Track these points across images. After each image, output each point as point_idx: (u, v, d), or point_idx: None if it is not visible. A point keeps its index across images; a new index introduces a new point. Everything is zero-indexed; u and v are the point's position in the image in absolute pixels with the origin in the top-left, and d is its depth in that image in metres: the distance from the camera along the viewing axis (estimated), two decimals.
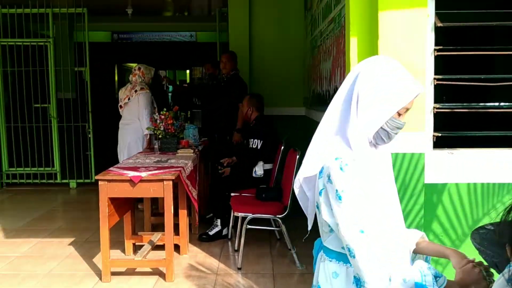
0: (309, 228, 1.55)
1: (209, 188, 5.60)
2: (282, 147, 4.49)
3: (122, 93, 5.39)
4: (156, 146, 4.60)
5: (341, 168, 1.32)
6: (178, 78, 17.25)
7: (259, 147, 4.39)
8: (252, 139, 4.45)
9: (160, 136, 4.70)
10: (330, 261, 1.43)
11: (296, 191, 1.52)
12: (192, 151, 4.53)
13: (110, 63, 14.67)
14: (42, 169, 6.99)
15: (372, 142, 1.40)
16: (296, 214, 4.01)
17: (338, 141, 1.40)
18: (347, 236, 1.30)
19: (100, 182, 3.43)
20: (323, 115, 4.42)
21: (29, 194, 6.60)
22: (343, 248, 1.34)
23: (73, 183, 7.01)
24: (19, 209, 5.81)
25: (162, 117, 4.70)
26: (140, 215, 4.80)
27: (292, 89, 6.51)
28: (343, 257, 1.38)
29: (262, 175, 4.43)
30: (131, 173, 3.50)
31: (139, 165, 3.90)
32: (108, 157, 8.42)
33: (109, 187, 3.44)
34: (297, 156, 3.81)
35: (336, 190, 1.32)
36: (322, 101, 4.61)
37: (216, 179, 4.76)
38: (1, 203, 6.21)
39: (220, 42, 7.41)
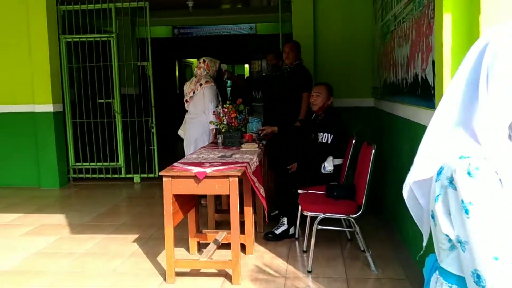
0: (424, 243, 1.25)
1: (274, 184, 5.39)
2: (354, 141, 4.18)
3: (187, 87, 5.27)
4: (219, 141, 4.42)
5: (469, 173, 1.01)
6: (236, 73, 17.23)
7: (329, 141, 4.10)
8: (321, 133, 4.15)
9: (223, 130, 4.52)
10: (450, 287, 1.14)
11: (405, 196, 1.24)
12: (256, 145, 4.31)
13: (172, 58, 14.83)
14: (107, 164, 7.05)
15: (508, 134, 1.09)
16: (365, 212, 3.72)
17: (461, 134, 1.09)
18: (476, 261, 1.01)
19: (164, 179, 3.28)
20: (397, 106, 4.02)
21: (94, 189, 6.66)
22: (472, 272, 1.04)
23: (137, 178, 7.01)
24: (85, 204, 5.85)
25: (225, 110, 4.51)
26: (203, 210, 4.66)
27: (359, 79, 6.16)
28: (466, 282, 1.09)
29: (332, 171, 4.15)
30: (196, 169, 3.32)
31: (203, 160, 3.73)
32: (171, 151, 8.43)
33: (174, 184, 3.29)
34: (373, 151, 3.48)
35: (462, 201, 1.02)
36: (396, 90, 4.25)
37: (282, 174, 4.51)
38: (68, 198, 6.29)
39: (282, 33, 7.14)
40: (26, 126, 6.76)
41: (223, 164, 3.52)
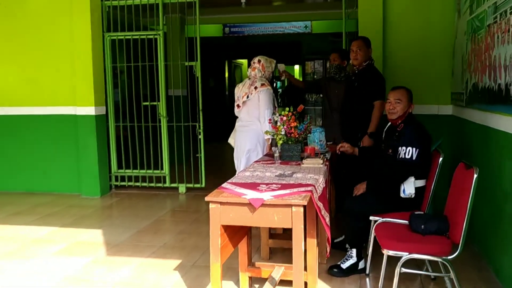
0: None
1: (336, 203, 4.71)
2: (441, 159, 3.42)
3: (240, 90, 4.64)
4: (276, 154, 3.76)
5: None
6: None
7: (414, 157, 3.33)
8: (403, 147, 3.39)
9: (280, 142, 3.86)
10: None
11: None
12: (321, 161, 3.61)
13: (222, 59, 14.39)
14: (150, 171, 6.54)
15: None
16: None
17: None
18: None
19: (211, 205, 2.66)
20: (494, 117, 3.18)
21: (137, 199, 6.17)
22: None
23: (182, 188, 6.46)
24: (125, 216, 5.34)
25: (284, 118, 3.85)
26: (255, 231, 4.01)
27: (436, 82, 5.34)
28: None
29: (412, 196, 3.40)
30: (250, 194, 2.68)
31: (258, 179, 3.08)
32: (219, 160, 7.85)
33: (223, 212, 2.65)
34: (475, 176, 2.72)
35: None
36: (495, 98, 3.45)
37: (350, 195, 3.79)
38: (109, 209, 5.81)
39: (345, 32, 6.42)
40: (67, 130, 6.37)
41: (283, 187, 2.86)
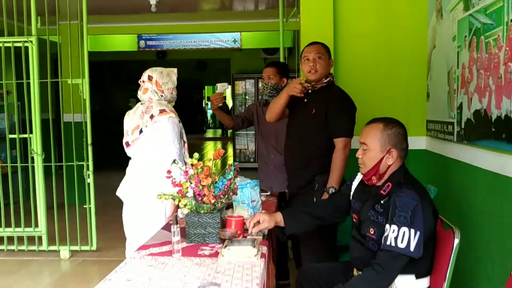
0: None
1: (277, 273, 3.20)
2: (456, 240, 2.00)
3: (130, 120, 3.03)
4: (175, 238, 2.15)
5: None
6: (207, 95, 15.42)
7: (412, 246, 1.87)
8: (392, 226, 1.92)
9: (187, 210, 2.29)
10: None
11: None
12: (255, 250, 2.06)
13: (136, 78, 12.76)
14: (20, 230, 4.73)
15: None
16: None
17: None
18: None
19: None
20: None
21: None
22: None
23: (65, 252, 4.69)
24: None
25: (190, 171, 2.30)
26: None
27: (403, 107, 4.00)
28: None
29: None
30: None
31: None
32: (116, 211, 6.16)
33: None
34: None
35: None
36: None
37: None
38: None
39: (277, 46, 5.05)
40: None
41: None
